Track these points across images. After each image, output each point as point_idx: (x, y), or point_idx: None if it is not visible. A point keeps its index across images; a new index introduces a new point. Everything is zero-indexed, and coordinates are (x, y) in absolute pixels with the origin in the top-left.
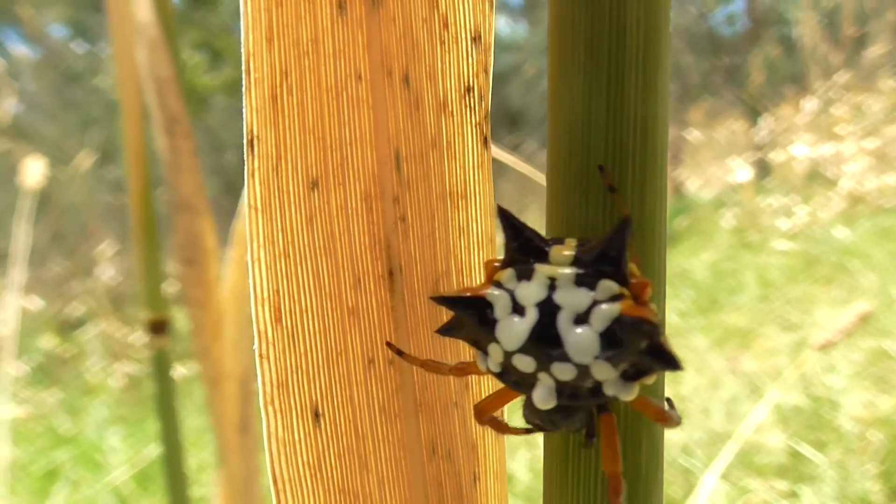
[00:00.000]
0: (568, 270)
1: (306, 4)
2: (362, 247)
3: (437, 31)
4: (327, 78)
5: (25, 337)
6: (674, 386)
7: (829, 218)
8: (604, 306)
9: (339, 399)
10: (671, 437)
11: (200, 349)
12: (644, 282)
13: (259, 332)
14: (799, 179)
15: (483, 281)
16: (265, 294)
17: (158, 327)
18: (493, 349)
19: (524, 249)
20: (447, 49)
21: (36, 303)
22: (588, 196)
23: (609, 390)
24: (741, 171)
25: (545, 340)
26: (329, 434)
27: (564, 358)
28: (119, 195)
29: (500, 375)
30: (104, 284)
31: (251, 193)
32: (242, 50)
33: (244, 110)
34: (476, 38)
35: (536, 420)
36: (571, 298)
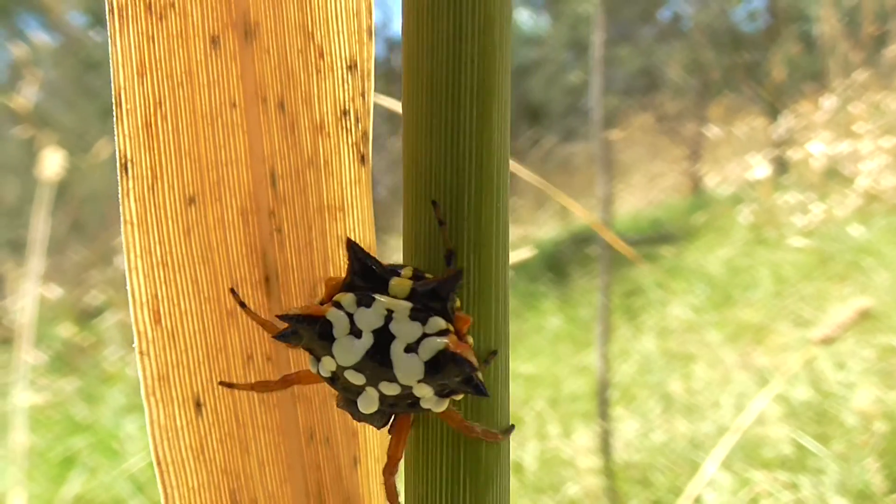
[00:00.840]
0: (404, 305)
1: (179, 41)
2: (239, 255)
3: (313, 61)
4: (202, 106)
5: (44, 325)
6: (685, 380)
7: (845, 216)
8: (431, 339)
9: (220, 390)
10: (679, 429)
11: None
12: (466, 318)
13: (139, 332)
14: (816, 177)
15: (323, 297)
16: (144, 299)
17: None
18: (328, 361)
19: (366, 277)
20: (323, 76)
21: (55, 291)
22: (432, 222)
23: (425, 405)
24: (759, 167)
25: (378, 362)
26: (210, 421)
27: (393, 379)
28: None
29: (329, 381)
30: (123, 274)
31: (126, 210)
32: (112, 84)
33: (115, 137)
34: (352, 66)
35: (347, 410)
36: (405, 330)
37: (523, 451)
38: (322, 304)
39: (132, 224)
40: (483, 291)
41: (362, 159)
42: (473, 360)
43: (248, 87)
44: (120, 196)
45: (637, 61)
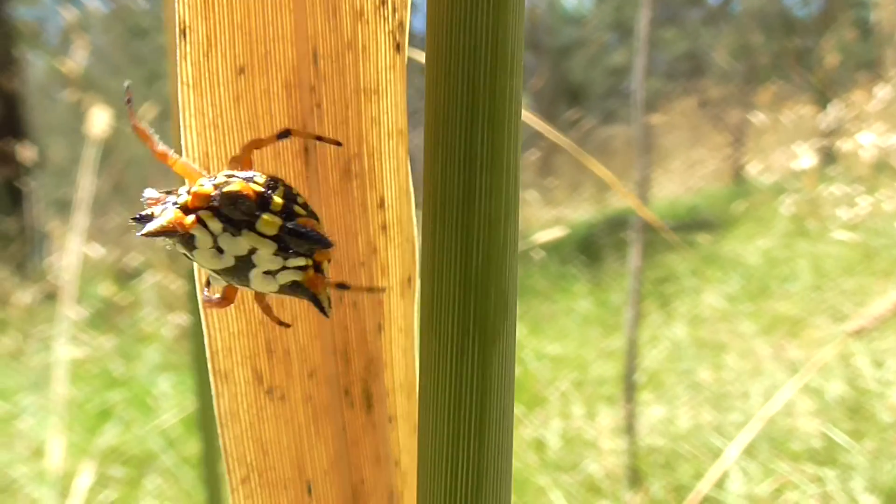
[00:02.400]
0: (269, 246)
1: None
2: (282, 126)
3: None
4: None
5: (86, 283)
6: (715, 370)
7: (894, 210)
8: (289, 272)
9: None
10: (706, 418)
11: None
12: (328, 255)
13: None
14: (865, 169)
15: (187, 202)
16: (196, 155)
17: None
18: (183, 251)
19: (237, 207)
20: None
21: (97, 251)
22: (452, 81)
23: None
24: (805, 157)
25: (235, 276)
26: None
27: (246, 285)
28: (178, 150)
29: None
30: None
31: (183, 72)
32: None
33: (176, 4)
34: None
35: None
36: (266, 262)
37: (546, 429)
38: (186, 210)
39: (188, 85)
40: (493, 227)
41: (398, 47)
42: (323, 293)
43: None
44: (178, 59)
45: (682, 44)
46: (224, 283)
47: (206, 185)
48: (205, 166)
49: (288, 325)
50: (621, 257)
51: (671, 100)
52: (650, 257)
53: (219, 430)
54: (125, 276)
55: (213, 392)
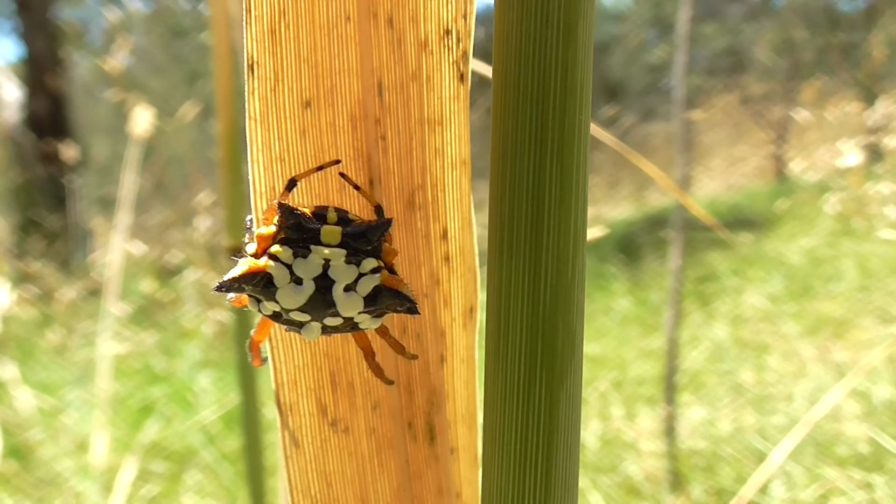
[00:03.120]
0: (338, 252)
1: None
2: (347, 158)
3: None
4: (320, 17)
5: (128, 280)
6: (757, 371)
7: None
8: (367, 278)
9: None
10: (749, 420)
11: None
12: (393, 251)
13: (257, 219)
14: None
15: (257, 251)
16: (262, 189)
17: (240, 253)
18: (271, 304)
19: (297, 229)
20: None
21: (139, 248)
22: (520, 114)
23: (363, 326)
24: (850, 154)
25: (321, 304)
26: None
27: (336, 314)
28: (218, 150)
29: (272, 318)
30: (202, 234)
31: (251, 107)
32: None
33: (244, 40)
34: None
35: (288, 329)
36: (342, 274)
37: (585, 430)
38: (257, 256)
39: (255, 120)
40: (561, 263)
41: (461, 77)
42: (404, 289)
43: (361, 3)
44: (246, 94)
45: (723, 40)
46: (314, 333)
47: (265, 228)
48: (272, 199)
49: (392, 383)
50: (661, 256)
51: (711, 96)
52: (690, 256)
53: (284, 462)
54: (166, 273)
55: (279, 423)
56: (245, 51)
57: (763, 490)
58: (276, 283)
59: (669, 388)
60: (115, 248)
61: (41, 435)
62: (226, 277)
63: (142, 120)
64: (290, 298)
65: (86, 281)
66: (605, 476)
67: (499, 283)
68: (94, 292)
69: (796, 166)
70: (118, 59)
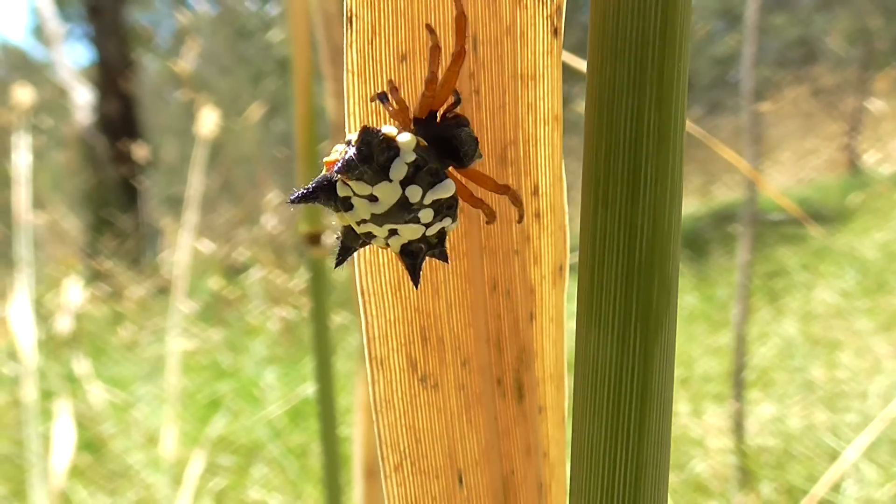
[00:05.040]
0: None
1: None
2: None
3: None
4: None
5: (196, 277)
6: (829, 368)
7: None
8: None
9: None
10: (820, 418)
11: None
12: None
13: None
14: None
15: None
16: None
17: (315, 239)
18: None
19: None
20: None
21: (207, 246)
22: (617, 60)
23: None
24: None
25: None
26: None
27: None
28: (283, 149)
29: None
30: (268, 233)
31: (349, 60)
32: None
33: None
34: None
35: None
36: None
37: None
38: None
39: (353, 73)
40: (658, 215)
41: (555, 32)
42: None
43: None
44: (344, 47)
45: (793, 30)
46: (382, 242)
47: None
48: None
49: (493, 219)
50: (727, 251)
51: (781, 88)
52: (759, 251)
53: (374, 417)
54: (233, 271)
55: (369, 379)
56: (345, 3)
57: (835, 488)
58: (352, 201)
59: (738, 384)
60: (183, 246)
61: (113, 429)
62: (298, 192)
63: (208, 120)
64: (365, 210)
65: (155, 279)
66: (672, 474)
67: (592, 237)
68: (164, 290)
69: (870, 158)
70: (187, 61)
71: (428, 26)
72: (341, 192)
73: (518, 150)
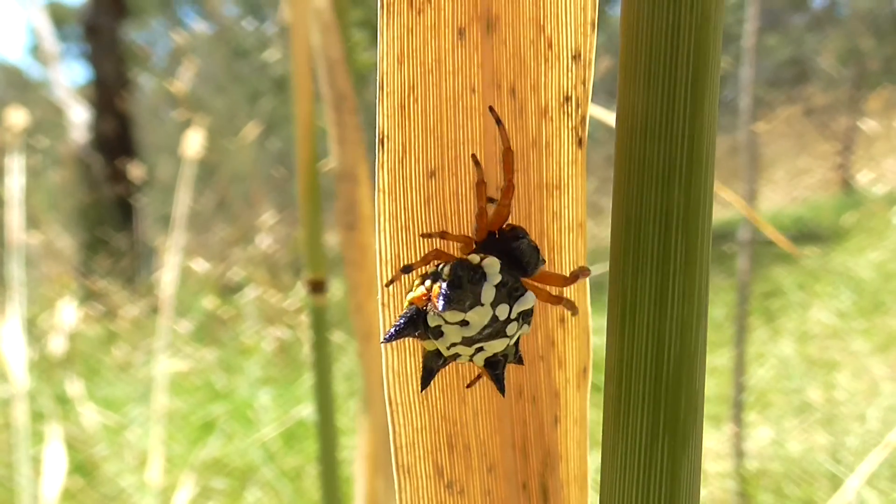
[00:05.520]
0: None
1: (432, 32)
2: (470, 225)
3: (542, 51)
4: (447, 91)
5: (190, 297)
6: (826, 390)
7: None
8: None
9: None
10: (819, 441)
11: (355, 306)
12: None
13: (382, 287)
14: None
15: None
16: (387, 257)
17: (318, 286)
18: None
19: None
20: (550, 66)
21: (201, 265)
22: (644, 183)
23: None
24: None
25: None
26: None
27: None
28: (279, 168)
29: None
30: (262, 252)
31: (380, 180)
32: (378, 70)
33: (377, 116)
34: (576, 56)
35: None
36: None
37: None
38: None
39: (384, 192)
40: (685, 332)
41: (580, 142)
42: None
43: (486, 75)
44: (376, 168)
45: (786, 50)
46: (467, 360)
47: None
48: (396, 268)
49: (576, 311)
50: (724, 270)
51: (774, 108)
52: (755, 271)
53: None
54: (228, 291)
55: (396, 486)
56: (377, 126)
57: None
58: (442, 329)
59: (736, 407)
60: (175, 265)
61: (106, 451)
62: (391, 331)
63: (194, 141)
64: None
65: (150, 298)
66: None
67: (620, 348)
68: (158, 309)
69: (863, 178)
70: (183, 80)
71: (473, 157)
72: (432, 322)
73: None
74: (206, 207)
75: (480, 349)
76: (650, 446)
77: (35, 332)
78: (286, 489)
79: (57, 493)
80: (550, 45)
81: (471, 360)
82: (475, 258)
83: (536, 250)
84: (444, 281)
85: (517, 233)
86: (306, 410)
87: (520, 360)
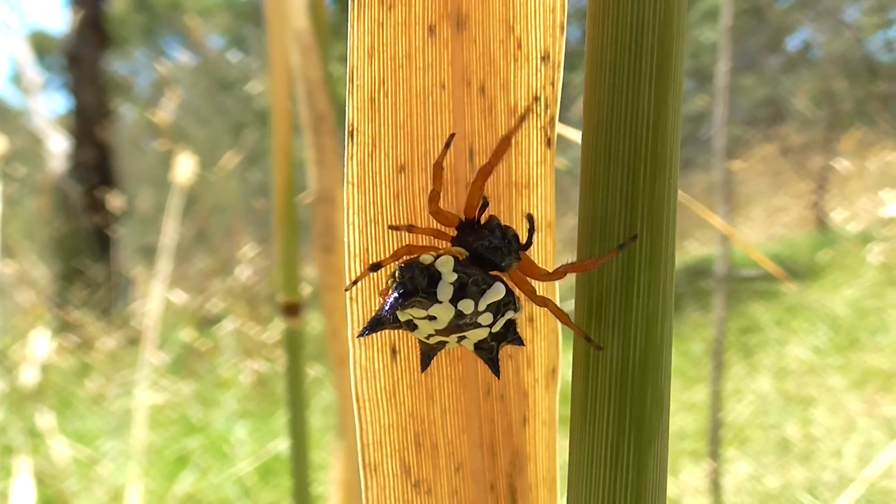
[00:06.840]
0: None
1: (403, 28)
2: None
3: (512, 51)
4: (416, 86)
5: (168, 329)
6: (803, 425)
7: None
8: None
9: (412, 341)
10: (797, 476)
11: (331, 330)
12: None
13: (350, 280)
14: None
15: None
16: (356, 251)
17: (293, 309)
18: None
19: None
20: (520, 65)
21: (180, 296)
22: (610, 176)
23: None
24: (893, 204)
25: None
26: (403, 368)
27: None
28: (260, 199)
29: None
30: (242, 284)
31: (349, 172)
32: (347, 63)
33: (346, 108)
34: (545, 57)
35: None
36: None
37: None
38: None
39: (353, 185)
40: (650, 326)
41: (548, 142)
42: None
43: (455, 72)
44: (345, 159)
45: (762, 91)
46: (448, 340)
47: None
48: (364, 261)
49: (601, 348)
50: (702, 307)
51: (751, 147)
52: (732, 307)
53: None
54: (206, 323)
55: (362, 485)
56: (346, 119)
57: None
58: (415, 322)
59: (714, 443)
60: (155, 296)
61: (76, 485)
62: (364, 328)
63: (184, 169)
64: (428, 333)
65: (126, 330)
66: None
67: (586, 345)
68: (134, 341)
69: (838, 216)
70: (166, 111)
71: (451, 136)
72: (402, 318)
73: None
74: (185, 238)
75: (462, 337)
76: (616, 443)
77: (6, 364)
78: None
79: None
80: (520, 46)
81: (459, 344)
82: (427, 258)
83: (510, 242)
84: (395, 283)
85: (491, 226)
86: (283, 445)
87: (518, 342)
